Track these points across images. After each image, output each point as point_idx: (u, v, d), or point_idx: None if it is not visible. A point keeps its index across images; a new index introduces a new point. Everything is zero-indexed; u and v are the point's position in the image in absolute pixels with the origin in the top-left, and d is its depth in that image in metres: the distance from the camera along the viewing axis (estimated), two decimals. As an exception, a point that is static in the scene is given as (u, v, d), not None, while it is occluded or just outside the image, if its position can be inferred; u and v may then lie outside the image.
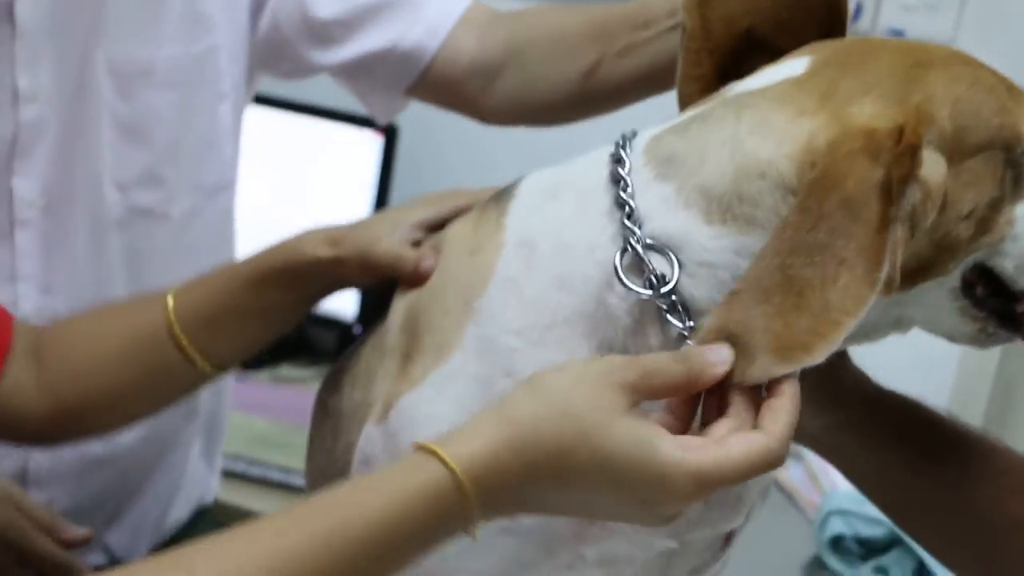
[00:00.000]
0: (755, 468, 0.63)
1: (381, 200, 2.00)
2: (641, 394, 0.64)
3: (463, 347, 0.73)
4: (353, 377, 0.84)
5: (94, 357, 0.90)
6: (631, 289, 0.69)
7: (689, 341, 0.68)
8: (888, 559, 1.45)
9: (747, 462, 0.62)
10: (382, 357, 0.80)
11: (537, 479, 0.64)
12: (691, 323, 0.68)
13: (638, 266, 0.69)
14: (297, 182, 2.04)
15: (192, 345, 0.88)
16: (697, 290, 0.69)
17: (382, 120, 1.26)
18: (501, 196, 0.78)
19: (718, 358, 0.64)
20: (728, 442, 0.63)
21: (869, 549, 1.47)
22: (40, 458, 1.11)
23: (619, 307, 0.70)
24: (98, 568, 1.22)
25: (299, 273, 0.86)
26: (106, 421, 0.95)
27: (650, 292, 0.69)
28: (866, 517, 1.46)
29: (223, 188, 1.21)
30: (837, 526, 1.47)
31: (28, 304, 1.08)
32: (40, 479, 1.11)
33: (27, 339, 0.90)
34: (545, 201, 0.75)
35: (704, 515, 0.74)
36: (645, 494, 0.63)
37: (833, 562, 1.47)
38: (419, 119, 1.84)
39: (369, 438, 0.78)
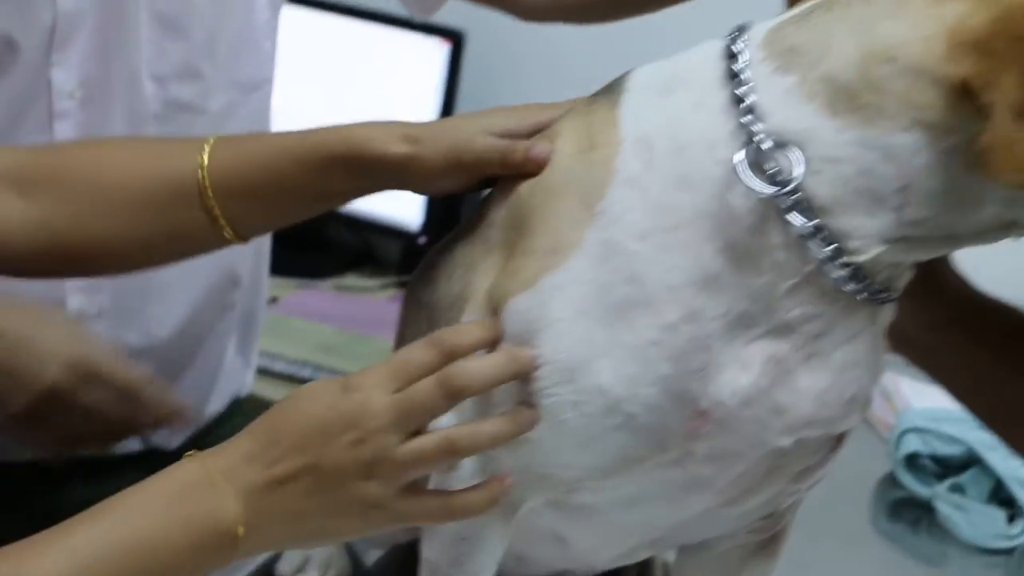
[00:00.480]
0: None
1: (447, 109, 2.01)
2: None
3: (583, 252, 0.74)
4: (449, 271, 0.85)
5: (105, 200, 0.86)
6: (753, 188, 0.69)
7: (810, 242, 0.68)
8: (965, 478, 1.44)
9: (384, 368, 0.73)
10: (486, 253, 0.81)
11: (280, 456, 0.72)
12: (815, 221, 0.68)
13: (759, 163, 0.69)
14: (362, 90, 2.06)
15: (221, 210, 0.84)
16: (821, 187, 0.69)
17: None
18: (610, 91, 0.78)
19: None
20: None
21: (945, 467, 1.47)
22: None
23: (741, 206, 0.70)
24: (135, 456, 1.25)
25: (365, 165, 0.83)
26: (106, 266, 0.93)
27: (773, 190, 0.68)
28: (943, 435, 1.46)
29: (260, 85, 1.23)
30: (912, 444, 1.47)
31: None
32: None
33: (7, 167, 0.86)
34: (660, 96, 0.75)
35: (818, 413, 0.74)
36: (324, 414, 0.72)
37: (908, 480, 1.46)
38: (486, 26, 1.83)
39: None
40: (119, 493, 0.73)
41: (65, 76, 1.08)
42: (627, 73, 0.78)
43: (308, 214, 0.88)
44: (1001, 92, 0.63)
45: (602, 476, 0.77)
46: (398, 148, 0.82)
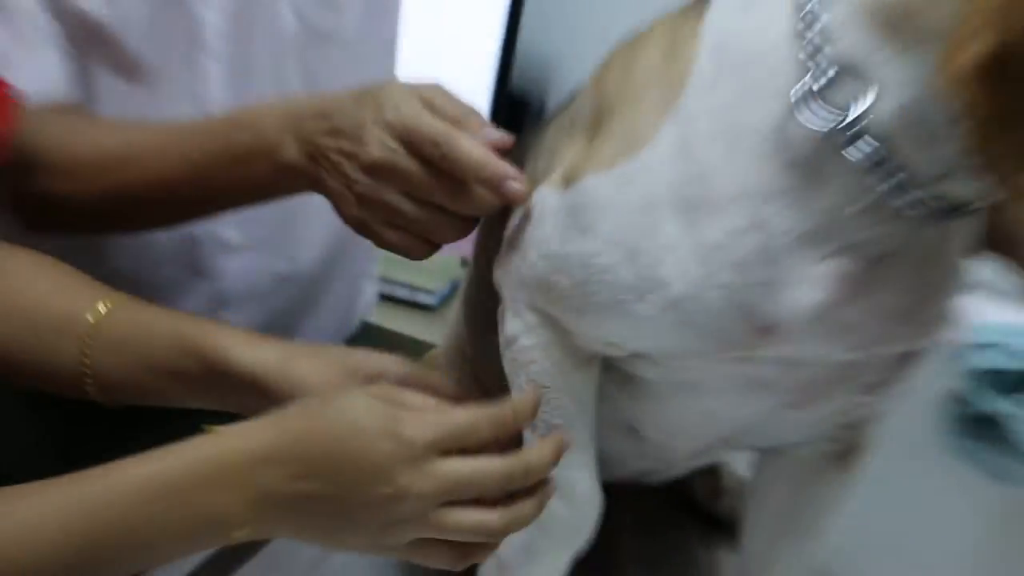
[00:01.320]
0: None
1: (506, 58, 2.02)
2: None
3: (657, 146, 0.74)
4: (536, 153, 0.88)
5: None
6: (809, 123, 0.68)
7: (870, 174, 0.67)
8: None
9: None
10: (572, 138, 0.83)
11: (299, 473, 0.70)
12: (874, 155, 0.67)
13: (820, 92, 0.68)
14: (421, 40, 1.93)
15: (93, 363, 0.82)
16: (878, 119, 0.67)
17: None
18: (699, 3, 0.78)
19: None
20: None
21: (1010, 382, 1.46)
22: (235, 282, 1.19)
23: (798, 135, 0.69)
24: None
25: (218, 375, 0.82)
26: None
27: (830, 125, 0.68)
28: (1008, 350, 1.46)
29: (388, 10, 1.26)
30: (977, 359, 1.47)
31: None
32: (238, 299, 1.20)
33: None
34: (739, 11, 0.74)
35: (887, 331, 0.74)
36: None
37: (972, 395, 1.46)
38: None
39: (543, 198, 0.80)
40: (126, 460, 0.69)
41: (213, 14, 1.08)
42: None
43: (176, 403, 0.86)
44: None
45: (665, 354, 0.79)
46: (255, 354, 0.81)
